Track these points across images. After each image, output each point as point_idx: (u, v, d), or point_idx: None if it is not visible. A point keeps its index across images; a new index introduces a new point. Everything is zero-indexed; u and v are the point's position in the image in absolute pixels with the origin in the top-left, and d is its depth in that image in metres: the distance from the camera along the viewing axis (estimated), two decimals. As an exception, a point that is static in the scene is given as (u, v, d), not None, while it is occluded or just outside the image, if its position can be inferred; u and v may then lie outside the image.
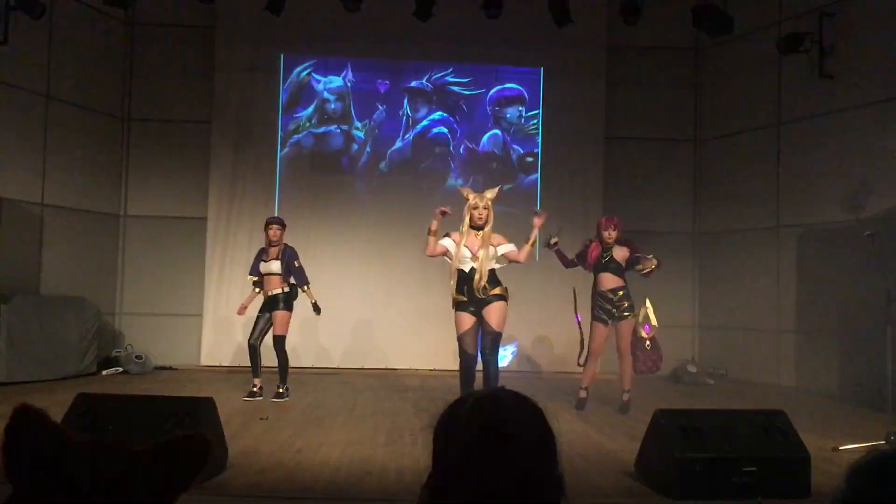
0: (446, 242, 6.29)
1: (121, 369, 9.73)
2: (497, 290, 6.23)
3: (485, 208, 6.22)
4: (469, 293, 6.20)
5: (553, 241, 7.13)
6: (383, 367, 10.31)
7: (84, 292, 9.68)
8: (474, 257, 6.19)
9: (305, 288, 7.74)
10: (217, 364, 10.21)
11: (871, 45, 8.86)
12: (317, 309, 7.73)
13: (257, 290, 7.81)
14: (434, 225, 6.22)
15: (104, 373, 9.57)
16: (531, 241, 6.34)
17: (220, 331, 10.37)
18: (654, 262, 7.13)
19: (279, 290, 7.68)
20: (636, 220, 10.74)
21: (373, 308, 10.47)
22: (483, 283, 6.15)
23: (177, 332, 10.52)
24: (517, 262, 6.36)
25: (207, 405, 4.67)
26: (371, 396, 8.09)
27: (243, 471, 4.65)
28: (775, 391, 9.13)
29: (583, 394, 7.44)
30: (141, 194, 10.79)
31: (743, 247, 10.39)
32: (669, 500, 4.28)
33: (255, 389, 7.58)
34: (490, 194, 6.33)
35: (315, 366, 10.26)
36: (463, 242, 6.23)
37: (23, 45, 8.98)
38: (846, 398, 8.49)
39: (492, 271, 6.25)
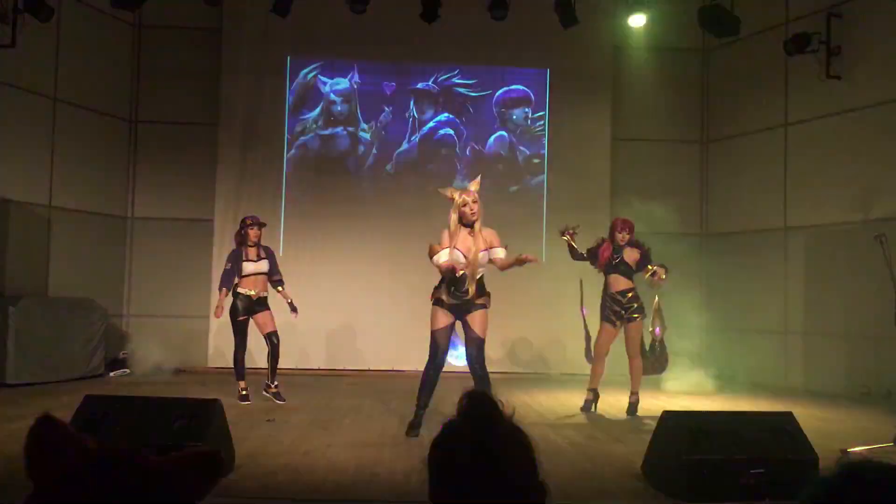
0: (443, 253, 5.93)
1: (128, 371, 9.75)
2: (481, 300, 5.99)
3: (474, 202, 5.91)
4: (454, 296, 5.95)
5: (570, 230, 7.15)
6: (390, 368, 10.30)
7: (91, 294, 9.71)
8: (468, 264, 5.90)
9: (281, 288, 7.65)
10: (224, 366, 10.20)
11: (879, 45, 8.84)
12: (294, 308, 7.60)
13: (228, 290, 7.53)
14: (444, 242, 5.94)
15: (111, 374, 9.59)
16: (515, 260, 5.92)
17: (226, 332, 10.33)
18: (663, 273, 7.10)
19: (266, 292, 7.62)
20: (643, 221, 10.66)
21: (379, 309, 10.46)
22: (473, 291, 5.91)
23: (184, 333, 10.54)
24: (495, 265, 6.04)
25: (215, 407, 4.67)
26: (378, 398, 8.08)
27: (251, 472, 4.66)
28: (783, 393, 9.10)
29: (589, 395, 7.43)
30: (148, 196, 10.82)
31: (750, 248, 10.36)
32: (677, 502, 4.26)
33: (244, 393, 7.57)
34: (474, 186, 6.04)
35: (322, 367, 10.28)
36: (455, 244, 5.93)
37: (31, 48, 9.00)
38: (854, 399, 8.46)
39: (480, 278, 6.00)
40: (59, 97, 9.67)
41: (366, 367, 10.38)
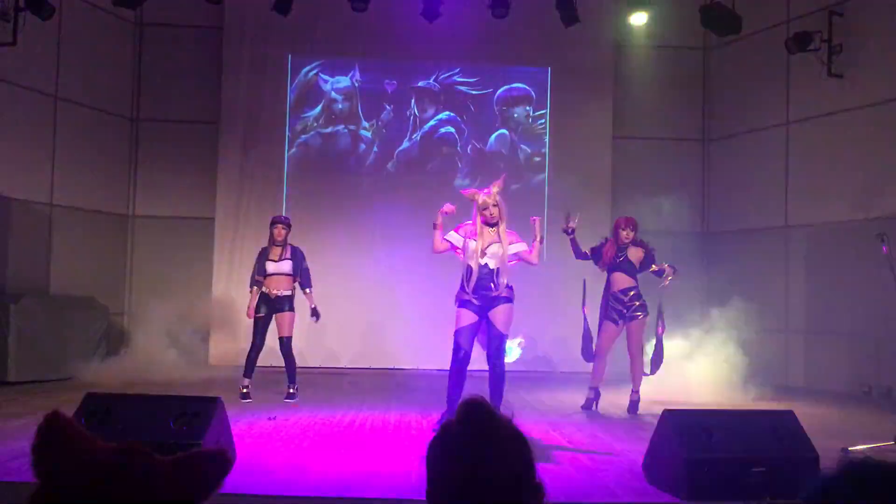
0: (452, 237, 6.16)
1: (129, 368, 9.71)
2: (505, 293, 6.07)
3: (495, 206, 6.02)
4: (476, 291, 6.05)
5: (571, 225, 7.11)
6: (391, 366, 10.31)
7: (92, 292, 9.72)
8: (483, 253, 6.04)
9: (308, 290, 7.65)
10: (225, 364, 10.21)
11: (880, 43, 8.83)
12: (316, 314, 7.62)
13: (258, 289, 7.59)
14: (438, 220, 6.15)
15: (112, 373, 9.56)
16: (539, 238, 6.18)
17: (228, 330, 10.38)
18: (671, 272, 7.10)
19: (289, 292, 7.62)
20: (644, 219, 10.62)
21: (380, 308, 10.47)
22: (503, 284, 6.04)
23: (185, 331, 10.52)
24: (528, 262, 6.23)
25: (215, 405, 4.67)
26: (378, 396, 8.09)
27: (251, 470, 4.66)
28: (784, 391, 9.09)
29: (591, 394, 7.43)
30: (149, 194, 10.83)
31: (751, 247, 10.35)
32: (678, 501, 4.26)
33: (245, 391, 7.56)
34: (495, 188, 6.12)
35: (322, 366, 10.28)
36: (478, 242, 6.07)
37: (32, 46, 9.00)
38: (855, 398, 8.46)
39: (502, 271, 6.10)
40: (60, 95, 9.67)
41: (366, 366, 10.38)
